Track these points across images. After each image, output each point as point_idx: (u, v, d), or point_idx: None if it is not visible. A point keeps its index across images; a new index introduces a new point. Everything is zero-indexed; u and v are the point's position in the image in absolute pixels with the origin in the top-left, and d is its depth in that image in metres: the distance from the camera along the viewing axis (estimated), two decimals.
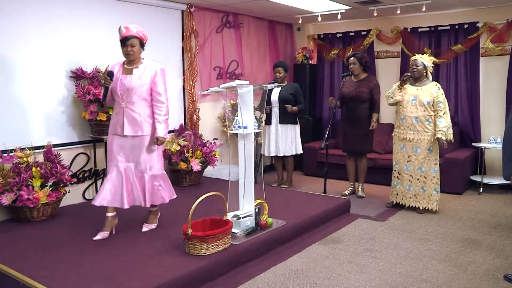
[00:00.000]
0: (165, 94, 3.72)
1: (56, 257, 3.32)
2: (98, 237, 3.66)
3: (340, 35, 7.25)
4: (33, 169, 4.09)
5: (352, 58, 5.36)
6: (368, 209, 5.04)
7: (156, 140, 3.68)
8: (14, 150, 4.15)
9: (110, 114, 4.36)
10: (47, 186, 4.14)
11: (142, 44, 3.66)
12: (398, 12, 5.99)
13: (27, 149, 4.22)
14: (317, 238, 4.07)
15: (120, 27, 3.58)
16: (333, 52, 7.26)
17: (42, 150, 4.33)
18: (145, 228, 3.88)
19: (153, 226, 3.94)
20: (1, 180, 3.97)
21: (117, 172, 3.66)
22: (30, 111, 4.40)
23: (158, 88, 3.67)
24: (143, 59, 3.71)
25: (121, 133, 3.64)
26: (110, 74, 3.58)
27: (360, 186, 5.66)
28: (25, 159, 4.14)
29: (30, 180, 4.05)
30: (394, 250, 3.80)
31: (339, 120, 6.95)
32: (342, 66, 7.21)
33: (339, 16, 6.30)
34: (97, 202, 3.61)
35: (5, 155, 4.06)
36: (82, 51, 4.69)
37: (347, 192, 5.65)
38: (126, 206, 3.65)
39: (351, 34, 7.13)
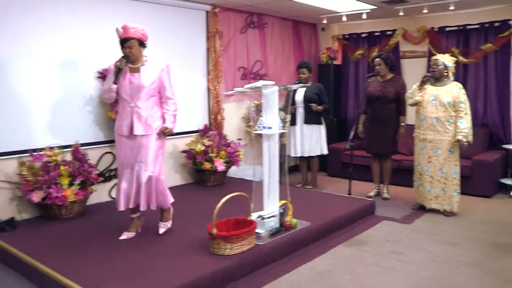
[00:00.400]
0: (172, 89, 3.69)
1: (83, 254, 3.39)
2: (123, 237, 3.71)
3: (365, 35, 7.17)
4: (61, 167, 4.17)
5: (377, 59, 5.30)
6: (393, 211, 4.97)
7: (164, 129, 3.63)
8: (44, 149, 4.24)
9: None
10: (74, 184, 4.22)
11: (142, 44, 3.59)
12: (425, 11, 5.89)
13: (56, 148, 4.31)
14: (341, 240, 4.03)
15: (117, 28, 3.55)
16: (358, 52, 7.19)
17: (70, 149, 4.42)
18: (161, 229, 3.79)
19: (169, 224, 3.87)
20: (32, 178, 4.06)
21: (126, 173, 3.65)
22: (59, 111, 4.49)
23: (165, 84, 3.65)
24: (146, 56, 3.66)
25: (128, 132, 3.58)
26: (126, 57, 3.52)
27: (385, 188, 5.58)
28: (54, 158, 4.23)
29: (59, 178, 4.14)
30: (421, 253, 3.73)
31: (364, 121, 6.86)
32: (367, 67, 7.14)
33: (364, 16, 6.23)
34: (121, 207, 3.65)
35: (35, 153, 4.16)
36: (108, 52, 4.74)
37: (372, 193, 5.59)
38: (128, 206, 3.65)
39: (376, 34, 7.05)
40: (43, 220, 4.23)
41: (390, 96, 5.23)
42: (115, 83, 3.55)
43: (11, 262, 3.52)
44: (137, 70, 3.58)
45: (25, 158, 4.20)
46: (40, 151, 4.21)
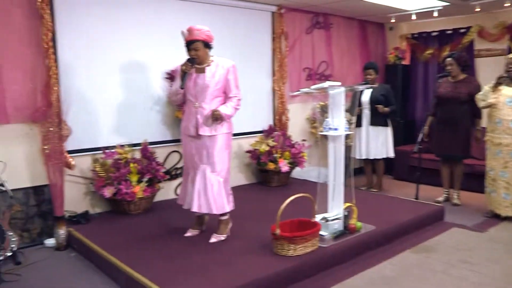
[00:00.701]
0: (238, 89, 3.66)
1: (151, 249, 3.51)
2: (188, 234, 3.80)
3: (436, 33, 6.86)
4: (131, 165, 4.34)
5: (448, 59, 5.06)
6: (464, 218, 4.71)
7: (214, 111, 3.51)
8: (115, 146, 4.44)
9: None
10: (143, 181, 4.38)
11: (207, 45, 3.56)
12: (507, 5, 5.47)
13: (126, 146, 4.49)
14: (408, 246, 3.88)
15: (182, 31, 3.57)
16: (427, 52, 6.91)
17: (139, 147, 4.59)
18: (213, 239, 3.66)
19: (222, 237, 3.70)
20: (104, 174, 4.27)
21: (191, 174, 3.69)
22: (129, 111, 4.67)
23: (231, 84, 3.62)
24: (212, 56, 3.64)
25: (194, 133, 3.59)
26: (191, 60, 3.54)
27: (456, 193, 5.32)
28: (124, 155, 4.41)
29: (128, 175, 4.30)
30: (496, 265, 3.50)
31: (431, 123, 6.59)
32: (437, 67, 6.84)
33: (435, 14, 5.97)
34: (185, 206, 3.72)
35: (107, 151, 4.36)
36: (176, 53, 4.87)
37: (441, 199, 5.35)
38: (194, 209, 3.57)
39: (447, 32, 6.73)
40: (113, 214, 4.43)
41: (461, 97, 4.97)
42: (182, 87, 3.59)
43: (86, 253, 3.73)
44: (202, 71, 3.59)
45: (98, 155, 4.41)
46: (112, 149, 4.41)
